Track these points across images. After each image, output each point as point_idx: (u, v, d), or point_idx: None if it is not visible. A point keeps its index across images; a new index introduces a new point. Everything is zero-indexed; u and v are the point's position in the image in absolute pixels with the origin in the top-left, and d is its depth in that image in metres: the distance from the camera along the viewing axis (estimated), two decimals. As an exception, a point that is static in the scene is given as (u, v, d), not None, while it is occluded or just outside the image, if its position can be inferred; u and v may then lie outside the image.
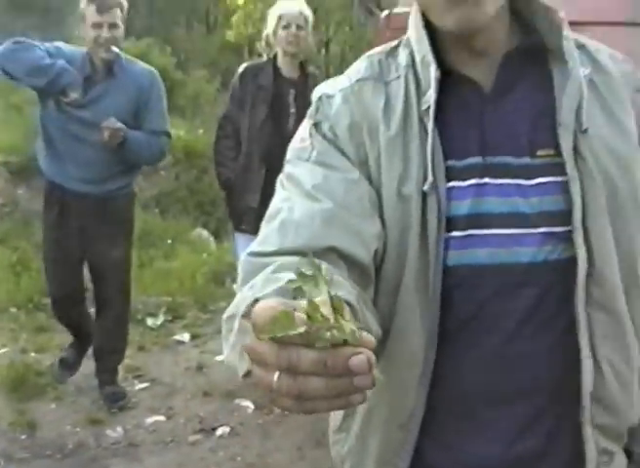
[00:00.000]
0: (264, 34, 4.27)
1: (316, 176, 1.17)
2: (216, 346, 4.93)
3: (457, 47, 1.23)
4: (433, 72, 1.20)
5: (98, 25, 3.71)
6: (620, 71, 1.28)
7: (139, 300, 5.40)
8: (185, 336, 5.16)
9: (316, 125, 1.25)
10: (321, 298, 0.66)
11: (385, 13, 4.50)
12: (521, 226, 1.19)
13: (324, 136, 1.23)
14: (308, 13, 4.21)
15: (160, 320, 5.39)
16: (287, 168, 1.24)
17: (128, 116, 3.81)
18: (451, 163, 1.20)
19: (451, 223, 1.18)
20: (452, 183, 1.19)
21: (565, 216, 1.19)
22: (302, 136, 1.25)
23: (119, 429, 3.81)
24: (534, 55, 1.25)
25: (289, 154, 1.26)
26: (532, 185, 1.20)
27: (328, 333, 0.65)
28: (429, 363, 1.20)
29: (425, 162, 1.18)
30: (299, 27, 4.12)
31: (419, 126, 1.20)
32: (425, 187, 1.16)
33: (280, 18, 4.12)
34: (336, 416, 1.36)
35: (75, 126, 3.72)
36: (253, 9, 15.88)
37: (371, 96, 1.25)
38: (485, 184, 1.20)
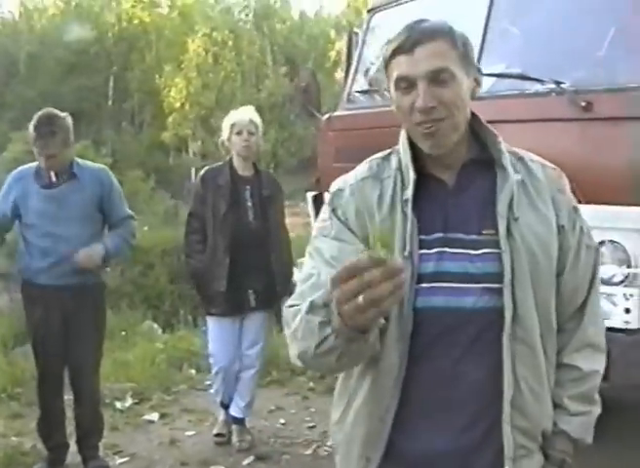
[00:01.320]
0: (220, 140, 4.74)
1: (333, 249, 1.62)
2: (183, 424, 5.20)
3: (431, 160, 1.68)
4: (412, 175, 1.65)
5: (43, 158, 4.01)
6: (546, 176, 1.71)
7: (104, 387, 5.39)
8: (154, 416, 5.31)
9: (334, 210, 1.69)
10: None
11: (327, 116, 5.02)
12: (468, 282, 1.61)
13: (339, 219, 1.67)
14: (258, 120, 4.69)
15: (128, 402, 5.52)
16: (315, 241, 1.69)
17: (93, 209, 4.15)
18: (422, 237, 1.63)
19: (420, 278, 1.61)
20: (422, 251, 1.62)
21: (499, 277, 1.60)
22: (324, 218, 1.71)
23: (106, 499, 4.00)
24: (483, 163, 1.69)
25: (315, 231, 1.71)
26: (477, 254, 1.62)
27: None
28: (402, 371, 1.63)
29: (405, 236, 1.61)
30: (250, 133, 4.58)
31: (401, 211, 1.63)
32: (405, 253, 1.60)
33: (233, 125, 4.59)
34: (335, 412, 1.79)
35: (49, 225, 4.00)
36: (189, 111, 16.37)
37: (369, 189, 1.68)
38: (444, 252, 1.62)
